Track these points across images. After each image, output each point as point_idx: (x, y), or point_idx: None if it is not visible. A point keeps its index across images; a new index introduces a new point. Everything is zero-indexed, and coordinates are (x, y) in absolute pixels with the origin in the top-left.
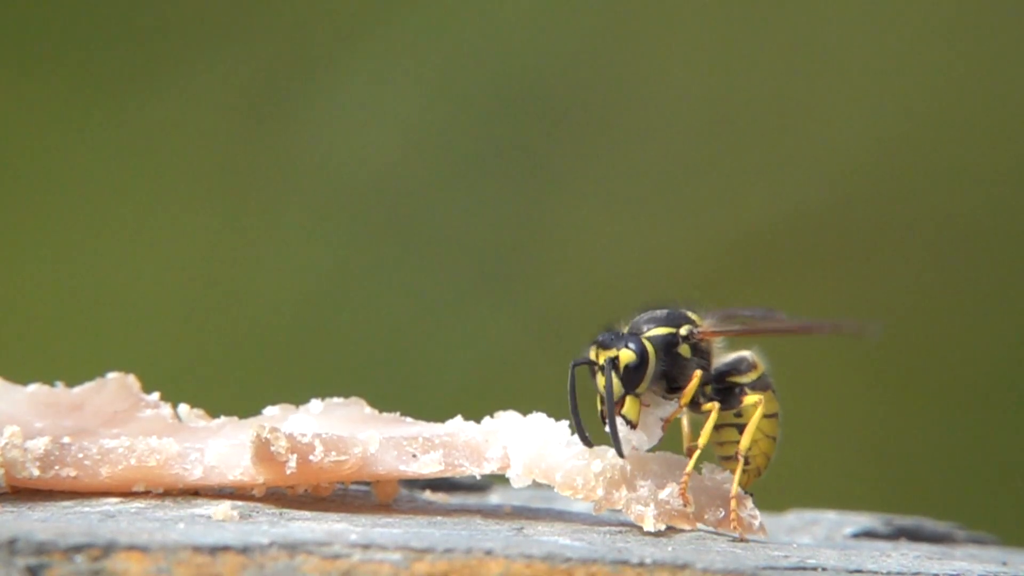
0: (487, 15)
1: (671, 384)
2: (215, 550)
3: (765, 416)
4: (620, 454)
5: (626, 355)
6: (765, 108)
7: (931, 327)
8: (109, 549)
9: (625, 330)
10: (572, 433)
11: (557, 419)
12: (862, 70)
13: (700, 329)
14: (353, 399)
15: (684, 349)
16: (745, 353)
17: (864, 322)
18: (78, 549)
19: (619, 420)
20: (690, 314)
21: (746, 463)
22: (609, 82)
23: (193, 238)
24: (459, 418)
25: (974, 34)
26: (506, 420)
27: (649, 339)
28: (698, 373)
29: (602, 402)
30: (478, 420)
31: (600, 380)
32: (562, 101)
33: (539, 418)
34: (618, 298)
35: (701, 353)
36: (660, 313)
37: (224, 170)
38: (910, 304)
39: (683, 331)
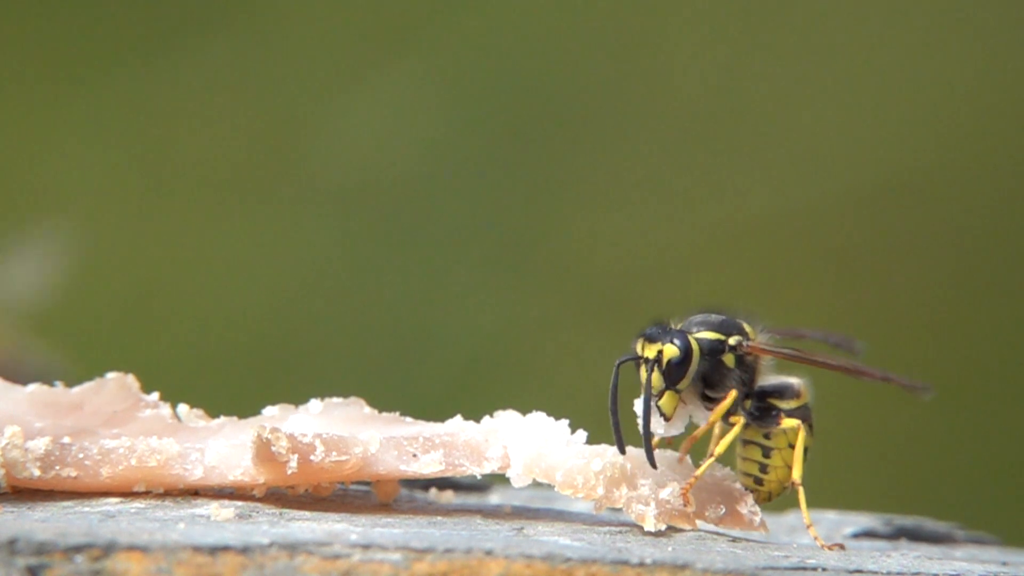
0: (490, 18)
1: (707, 390)
2: (215, 550)
3: (793, 447)
4: (652, 464)
5: (670, 350)
6: (767, 105)
7: (930, 326)
8: (109, 549)
9: (676, 327)
10: (572, 433)
11: (557, 417)
12: (866, 67)
13: (750, 343)
14: (352, 399)
15: (728, 359)
16: (794, 380)
17: (917, 383)
18: (78, 549)
19: (653, 422)
20: (746, 326)
21: (758, 483)
22: (611, 80)
23: (192, 236)
24: (459, 418)
25: (981, 31)
26: (506, 419)
27: (696, 340)
28: (732, 393)
29: (657, 395)
30: (478, 419)
31: (644, 373)
32: (564, 98)
33: (539, 417)
34: (618, 294)
35: (745, 367)
36: (715, 318)
37: (224, 167)
38: (909, 303)
39: (732, 341)
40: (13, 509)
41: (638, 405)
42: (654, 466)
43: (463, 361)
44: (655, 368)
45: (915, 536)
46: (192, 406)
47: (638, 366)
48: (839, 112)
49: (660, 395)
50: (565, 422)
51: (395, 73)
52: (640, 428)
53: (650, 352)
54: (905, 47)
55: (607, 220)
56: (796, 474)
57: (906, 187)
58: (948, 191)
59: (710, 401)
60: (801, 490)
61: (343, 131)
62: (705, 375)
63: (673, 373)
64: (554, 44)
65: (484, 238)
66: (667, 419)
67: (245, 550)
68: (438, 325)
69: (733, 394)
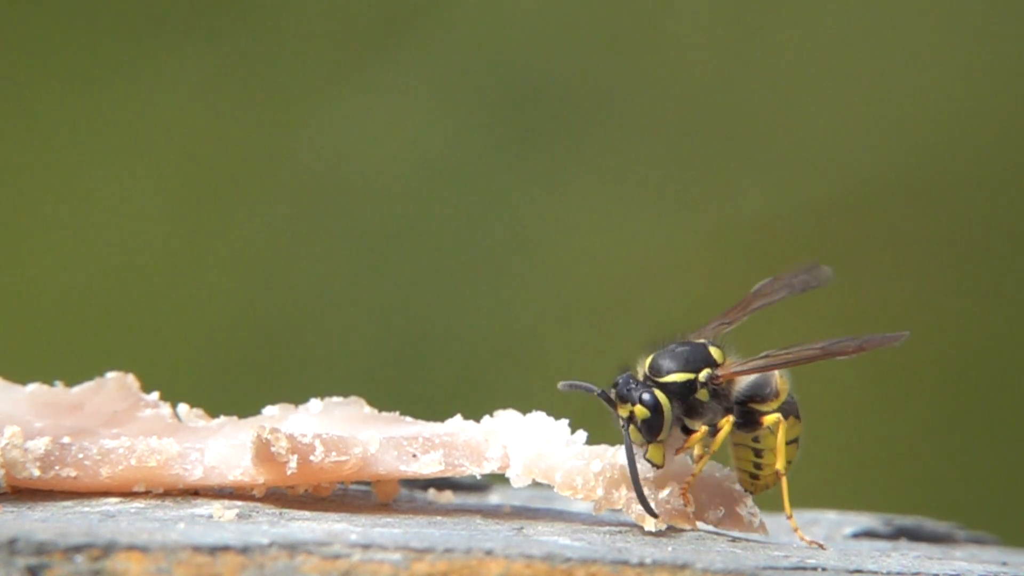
0: (486, 16)
1: (687, 421)
2: (215, 550)
3: (786, 443)
4: (653, 514)
5: (641, 412)
6: (766, 103)
7: (930, 326)
8: (109, 549)
9: (647, 365)
10: (572, 433)
11: (557, 417)
12: (865, 65)
13: (720, 372)
14: (352, 399)
15: (702, 394)
16: (772, 375)
17: (889, 335)
18: (78, 549)
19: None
20: (712, 349)
21: (754, 479)
22: (609, 79)
23: (193, 235)
24: (459, 417)
25: (979, 31)
26: (506, 419)
27: (666, 386)
28: (703, 429)
29: (642, 446)
30: (478, 419)
31: (624, 431)
32: (562, 97)
33: (539, 417)
34: (617, 293)
35: (719, 395)
36: (680, 352)
37: (221, 167)
38: (909, 303)
39: (702, 377)
40: (13, 509)
41: (620, 455)
42: (654, 515)
43: (463, 361)
44: (632, 425)
45: (915, 536)
46: (192, 406)
47: (616, 418)
48: (837, 112)
49: (645, 449)
50: (565, 422)
51: (396, 70)
52: (631, 484)
53: (623, 411)
54: (904, 47)
55: (606, 219)
56: (780, 464)
57: (905, 187)
58: (947, 191)
59: (691, 433)
60: (784, 481)
61: (343, 130)
62: (682, 413)
63: (650, 429)
64: (551, 43)
65: (484, 236)
66: (659, 467)
67: (245, 550)
68: (438, 325)
69: (704, 430)
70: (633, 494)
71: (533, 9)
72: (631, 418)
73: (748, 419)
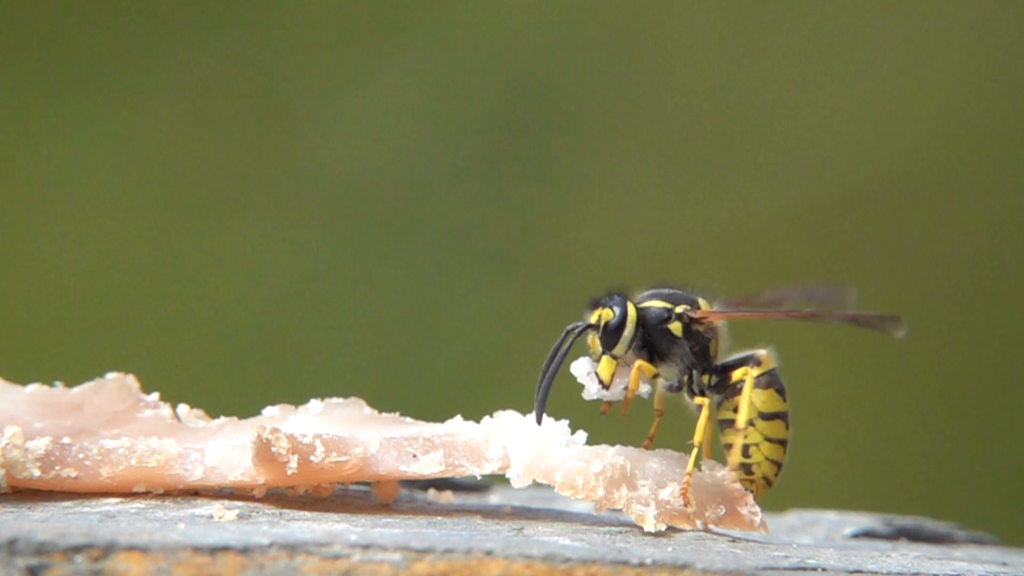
0: (486, 16)
1: (657, 359)
2: (215, 550)
3: (768, 417)
4: (538, 420)
5: (607, 314)
6: (769, 101)
7: (931, 326)
8: (109, 549)
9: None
10: (573, 433)
11: (557, 418)
12: (867, 65)
13: (698, 310)
14: (352, 399)
15: (675, 327)
16: (757, 352)
17: (885, 317)
18: (78, 549)
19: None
20: (701, 301)
21: (748, 471)
22: (609, 79)
23: (192, 236)
24: (459, 418)
25: (980, 32)
26: (506, 420)
27: (641, 308)
28: (706, 402)
29: (596, 359)
30: (478, 419)
31: (591, 340)
32: (562, 97)
33: None
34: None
35: (695, 336)
36: (666, 290)
37: (222, 167)
38: (909, 302)
39: (678, 309)
40: (13, 509)
41: (575, 367)
42: (539, 421)
43: (463, 361)
44: (592, 331)
45: (915, 536)
46: (192, 406)
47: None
48: (839, 112)
49: (598, 359)
50: (565, 422)
51: (392, 72)
52: (542, 377)
53: (593, 317)
54: (905, 47)
55: (605, 219)
56: (741, 420)
57: (906, 187)
58: (948, 191)
59: (656, 365)
60: (740, 436)
61: (341, 131)
62: (652, 344)
63: (610, 337)
64: (551, 42)
65: (484, 237)
66: (605, 386)
67: (245, 550)
68: (438, 325)
69: (650, 367)
70: (635, 494)
71: (534, 9)
72: (596, 324)
73: (728, 384)
